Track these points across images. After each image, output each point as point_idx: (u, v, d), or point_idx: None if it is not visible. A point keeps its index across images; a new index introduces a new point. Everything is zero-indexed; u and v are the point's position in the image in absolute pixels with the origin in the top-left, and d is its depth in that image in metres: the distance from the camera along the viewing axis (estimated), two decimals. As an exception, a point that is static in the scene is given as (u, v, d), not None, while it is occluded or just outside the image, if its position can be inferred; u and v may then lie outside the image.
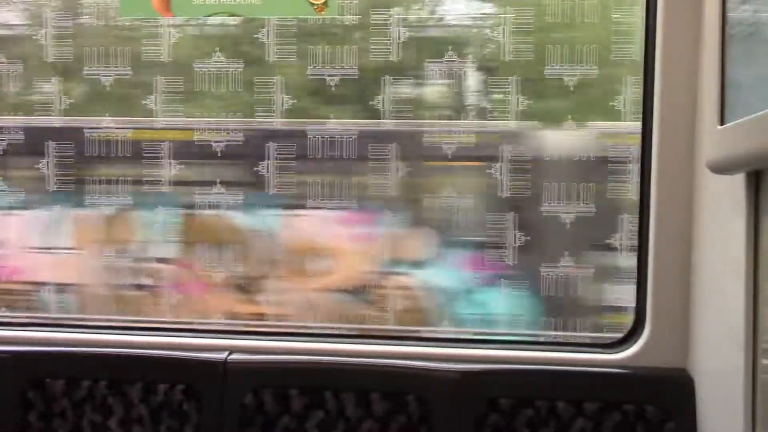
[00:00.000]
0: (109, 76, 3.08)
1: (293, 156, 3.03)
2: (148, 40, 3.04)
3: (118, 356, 2.66)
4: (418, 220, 3.05)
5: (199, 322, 3.19)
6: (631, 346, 2.51)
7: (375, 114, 2.96)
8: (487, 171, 2.91)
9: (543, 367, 2.53)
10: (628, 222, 2.86)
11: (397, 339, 2.88)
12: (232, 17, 2.85)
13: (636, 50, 2.72)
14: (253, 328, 3.06)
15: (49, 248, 3.36)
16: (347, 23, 2.97)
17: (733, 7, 1.88)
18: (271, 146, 3.03)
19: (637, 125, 2.53)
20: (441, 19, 3.14)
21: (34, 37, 3.10)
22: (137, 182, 3.13)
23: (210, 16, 2.77)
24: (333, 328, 3.14)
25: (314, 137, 2.99)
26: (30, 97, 3.16)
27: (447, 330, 3.09)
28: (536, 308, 2.99)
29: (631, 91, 2.80)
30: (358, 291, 3.16)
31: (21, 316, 3.29)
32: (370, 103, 2.95)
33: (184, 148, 3.11)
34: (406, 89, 2.99)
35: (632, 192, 2.80)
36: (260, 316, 3.20)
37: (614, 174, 2.89)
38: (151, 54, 3.04)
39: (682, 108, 2.38)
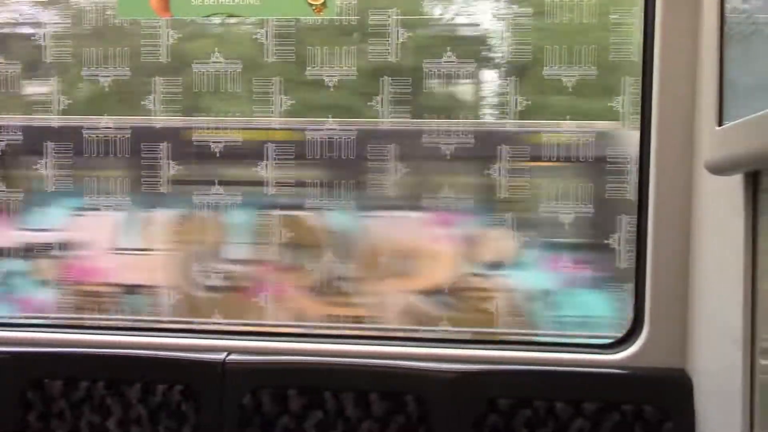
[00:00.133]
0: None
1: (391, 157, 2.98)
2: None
3: (117, 357, 2.66)
4: (508, 221, 2.99)
5: (198, 323, 3.18)
6: (629, 346, 2.52)
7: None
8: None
9: (542, 367, 2.53)
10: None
11: (396, 339, 2.88)
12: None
13: (635, 51, 2.72)
14: (251, 329, 3.06)
15: (133, 249, 3.32)
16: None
17: (732, 8, 1.88)
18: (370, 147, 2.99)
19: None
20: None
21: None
22: (221, 183, 3.09)
23: (209, 16, 2.77)
24: (332, 328, 3.14)
25: (403, 139, 2.95)
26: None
27: (446, 330, 3.08)
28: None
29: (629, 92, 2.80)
30: (449, 293, 3.11)
31: (21, 316, 3.27)
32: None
33: (280, 148, 3.05)
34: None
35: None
36: (345, 319, 3.15)
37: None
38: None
39: (680, 109, 2.38)
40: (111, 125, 3.07)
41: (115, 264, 3.31)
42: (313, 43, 2.94)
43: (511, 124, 2.92)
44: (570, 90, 2.84)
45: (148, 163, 3.06)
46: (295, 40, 2.96)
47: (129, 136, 3.06)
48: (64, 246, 3.24)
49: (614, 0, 2.82)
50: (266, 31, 2.95)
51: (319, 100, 3.01)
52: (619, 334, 2.59)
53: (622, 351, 2.52)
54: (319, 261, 3.11)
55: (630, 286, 2.61)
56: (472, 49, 2.98)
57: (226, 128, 3.08)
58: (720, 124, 1.90)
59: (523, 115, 2.90)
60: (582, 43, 2.80)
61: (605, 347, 2.58)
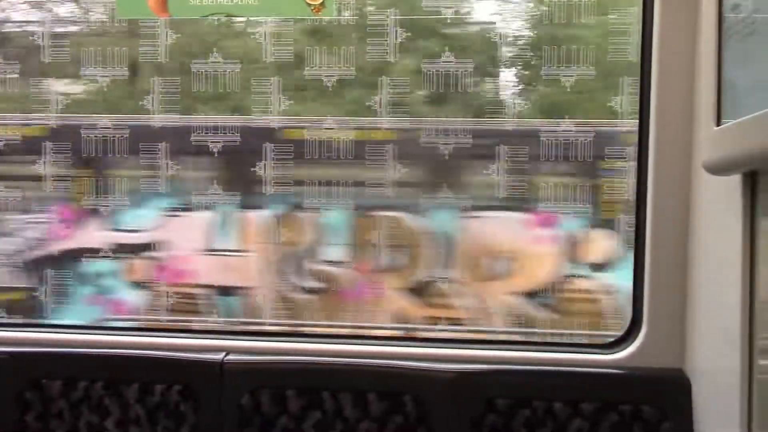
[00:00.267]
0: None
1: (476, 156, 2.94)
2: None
3: (115, 357, 2.66)
4: (604, 221, 2.95)
5: (197, 323, 3.18)
6: (627, 346, 2.52)
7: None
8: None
9: (540, 367, 2.53)
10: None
11: (394, 339, 2.88)
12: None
13: (633, 51, 2.73)
14: (250, 329, 3.06)
15: (221, 251, 3.28)
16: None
17: (730, 9, 1.88)
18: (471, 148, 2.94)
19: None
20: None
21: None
22: (311, 183, 3.06)
23: (207, 16, 2.77)
24: (330, 328, 3.14)
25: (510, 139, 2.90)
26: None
27: (444, 330, 3.09)
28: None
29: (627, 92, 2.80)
30: (544, 294, 3.07)
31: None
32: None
33: (372, 148, 3.03)
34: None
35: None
36: (437, 321, 3.11)
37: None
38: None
39: (678, 109, 2.38)
40: (217, 125, 3.04)
41: (209, 265, 3.28)
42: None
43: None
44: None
45: (244, 164, 3.02)
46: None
47: (234, 137, 3.03)
48: (155, 247, 3.20)
49: (613, 0, 2.82)
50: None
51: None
52: (618, 334, 2.59)
53: (620, 351, 2.52)
54: (418, 262, 3.08)
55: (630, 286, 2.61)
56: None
57: (325, 128, 3.04)
58: (718, 124, 1.90)
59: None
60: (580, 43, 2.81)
61: (604, 347, 2.58)
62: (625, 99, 2.81)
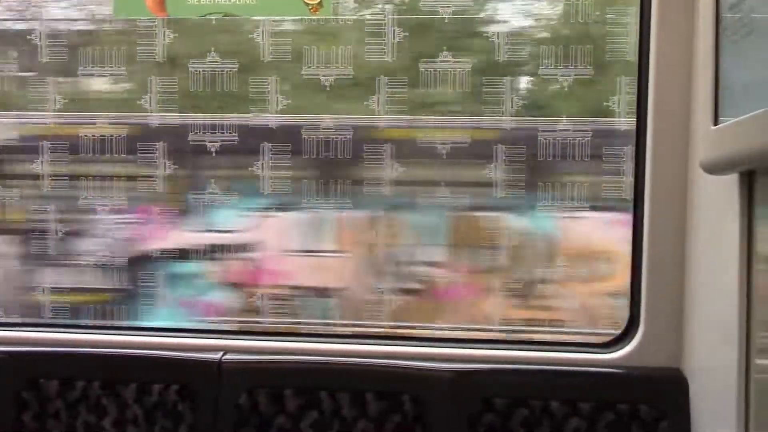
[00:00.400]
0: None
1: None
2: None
3: (113, 356, 2.66)
4: None
5: (194, 322, 3.17)
6: (625, 345, 2.52)
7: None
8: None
9: (538, 366, 2.53)
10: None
11: (392, 339, 2.88)
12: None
13: (630, 50, 2.73)
14: (247, 328, 3.05)
15: (315, 251, 3.23)
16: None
17: (727, 8, 1.89)
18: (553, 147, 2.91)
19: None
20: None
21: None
22: (400, 183, 3.00)
23: (205, 16, 2.77)
24: (328, 327, 3.13)
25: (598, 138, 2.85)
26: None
27: (442, 329, 3.08)
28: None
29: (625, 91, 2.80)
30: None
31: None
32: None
33: (465, 148, 2.97)
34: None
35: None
36: (537, 322, 3.06)
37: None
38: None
39: (676, 108, 2.39)
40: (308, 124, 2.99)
41: (302, 266, 3.22)
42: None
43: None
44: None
45: (331, 164, 3.00)
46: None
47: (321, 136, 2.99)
48: (242, 248, 3.16)
49: (610, 0, 2.82)
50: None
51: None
52: (616, 333, 2.59)
53: (617, 350, 2.52)
54: (516, 263, 3.03)
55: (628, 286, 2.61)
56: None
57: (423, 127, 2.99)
58: (715, 123, 1.91)
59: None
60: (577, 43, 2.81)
61: (601, 346, 2.59)
62: (623, 98, 2.80)
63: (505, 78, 2.89)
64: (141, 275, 3.13)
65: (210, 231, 3.14)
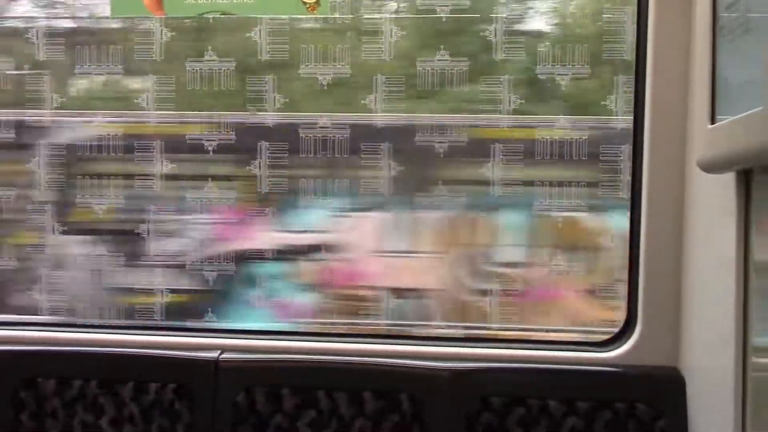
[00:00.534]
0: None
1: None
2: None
3: (110, 355, 2.65)
4: None
5: (191, 321, 3.16)
6: (622, 344, 2.52)
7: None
8: None
9: (535, 365, 2.53)
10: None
11: (390, 338, 2.88)
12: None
13: (627, 49, 2.73)
14: (244, 327, 3.05)
15: (394, 252, 3.17)
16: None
17: (724, 7, 1.89)
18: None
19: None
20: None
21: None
22: (482, 183, 2.94)
23: (202, 14, 2.77)
24: (324, 326, 3.13)
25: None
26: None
27: (439, 328, 3.08)
28: None
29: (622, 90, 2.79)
30: None
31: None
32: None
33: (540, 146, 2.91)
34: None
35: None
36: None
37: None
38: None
39: (673, 107, 2.39)
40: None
41: (380, 267, 3.17)
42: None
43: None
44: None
45: (413, 164, 2.96)
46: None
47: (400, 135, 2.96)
48: (325, 248, 3.12)
49: (608, -1, 2.82)
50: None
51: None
52: (613, 331, 2.59)
53: (615, 349, 2.53)
54: (597, 264, 2.99)
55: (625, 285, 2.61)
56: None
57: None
58: (712, 122, 1.90)
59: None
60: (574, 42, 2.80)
61: (599, 345, 2.59)
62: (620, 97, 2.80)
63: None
64: (228, 276, 3.09)
65: (298, 231, 3.10)
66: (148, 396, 2.57)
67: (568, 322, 3.07)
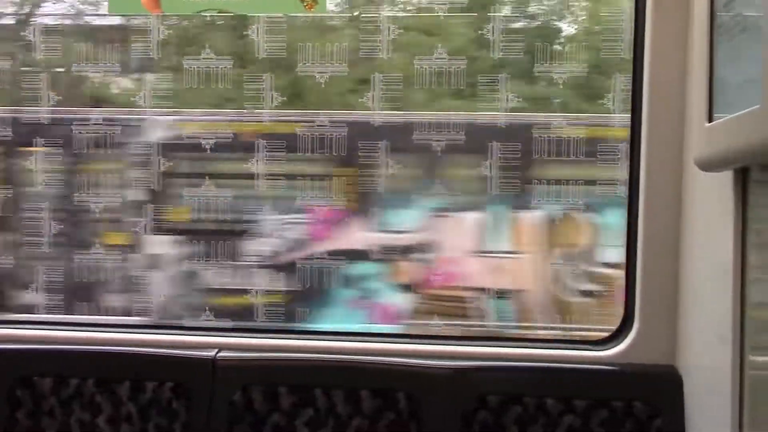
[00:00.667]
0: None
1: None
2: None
3: (107, 354, 2.65)
4: None
5: (188, 320, 3.16)
6: (620, 343, 2.52)
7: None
8: None
9: (532, 364, 2.53)
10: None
11: (387, 336, 2.88)
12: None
13: (625, 48, 2.73)
14: (242, 326, 3.05)
15: (491, 252, 3.13)
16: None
17: (721, 6, 1.89)
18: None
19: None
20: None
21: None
22: (588, 183, 2.91)
23: (199, 12, 2.76)
24: (321, 326, 3.13)
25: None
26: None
27: (436, 327, 3.08)
28: None
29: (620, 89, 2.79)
30: None
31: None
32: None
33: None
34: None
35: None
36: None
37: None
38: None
39: (670, 105, 2.39)
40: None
41: (478, 268, 3.12)
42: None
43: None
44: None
45: (512, 164, 2.91)
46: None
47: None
48: (422, 249, 3.06)
49: (606, -1, 2.83)
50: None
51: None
52: (611, 330, 2.60)
53: (612, 347, 2.53)
54: None
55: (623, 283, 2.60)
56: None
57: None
58: (710, 120, 1.91)
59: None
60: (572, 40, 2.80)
61: (596, 344, 2.59)
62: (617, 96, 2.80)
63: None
64: (315, 276, 3.05)
65: (385, 232, 3.05)
66: (145, 395, 2.57)
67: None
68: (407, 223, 3.03)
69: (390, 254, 3.03)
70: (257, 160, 3.02)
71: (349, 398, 2.50)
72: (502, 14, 2.91)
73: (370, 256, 3.03)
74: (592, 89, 2.91)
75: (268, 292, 3.06)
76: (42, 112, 3.09)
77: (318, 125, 3.00)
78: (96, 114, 3.10)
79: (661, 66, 2.39)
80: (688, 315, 2.37)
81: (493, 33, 2.88)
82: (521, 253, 3.06)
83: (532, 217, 2.97)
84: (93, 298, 3.14)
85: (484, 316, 3.02)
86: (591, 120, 2.87)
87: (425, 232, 3.04)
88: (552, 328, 2.99)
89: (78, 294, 3.13)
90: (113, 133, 3.09)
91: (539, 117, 2.92)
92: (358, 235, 3.04)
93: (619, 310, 2.77)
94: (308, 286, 3.02)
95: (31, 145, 3.10)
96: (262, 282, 3.07)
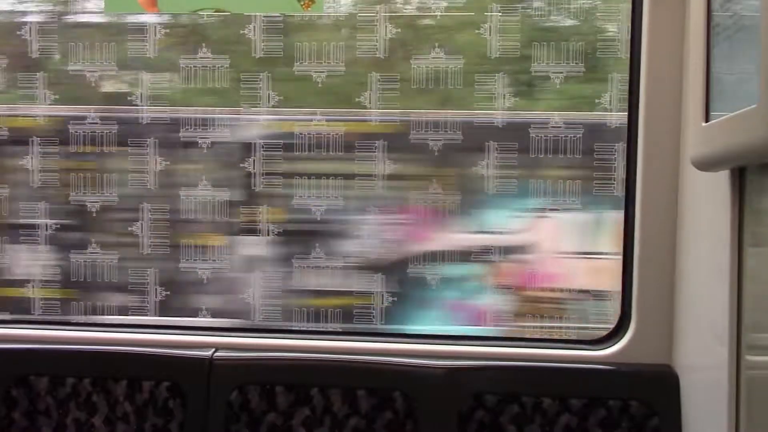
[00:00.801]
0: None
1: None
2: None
3: (103, 353, 2.65)
4: None
5: (185, 320, 3.15)
6: (616, 342, 2.53)
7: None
8: None
9: (529, 363, 2.53)
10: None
11: (384, 336, 2.88)
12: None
13: (622, 47, 2.73)
14: (238, 325, 3.04)
15: (591, 253, 3.06)
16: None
17: (718, 6, 1.89)
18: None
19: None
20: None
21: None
22: None
23: (196, 12, 2.76)
24: (319, 325, 3.12)
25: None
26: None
27: (433, 326, 3.07)
28: None
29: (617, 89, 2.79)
30: None
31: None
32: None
33: None
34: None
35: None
36: None
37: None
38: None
39: (667, 105, 2.39)
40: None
41: (578, 269, 3.07)
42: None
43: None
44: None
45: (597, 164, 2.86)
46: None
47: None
48: (508, 250, 3.02)
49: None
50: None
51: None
52: (608, 329, 2.60)
53: (609, 347, 2.53)
54: None
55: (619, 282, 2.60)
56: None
57: None
58: (707, 120, 1.91)
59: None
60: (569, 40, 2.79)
61: (592, 343, 2.59)
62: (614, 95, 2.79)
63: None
64: (407, 278, 3.01)
65: (480, 232, 3.00)
66: (141, 394, 2.57)
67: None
68: (506, 223, 2.99)
69: (488, 255, 2.99)
70: (355, 160, 2.98)
71: (346, 398, 2.50)
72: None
73: (467, 258, 2.99)
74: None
75: (364, 294, 3.03)
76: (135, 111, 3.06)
77: (438, 128, 2.95)
78: (193, 114, 3.06)
79: (657, 65, 2.40)
80: (684, 314, 2.37)
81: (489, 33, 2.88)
82: (611, 254, 2.99)
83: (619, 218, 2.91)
84: (187, 301, 3.11)
85: (583, 318, 2.98)
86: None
87: (523, 233, 2.99)
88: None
89: (174, 295, 3.11)
90: (217, 133, 3.06)
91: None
92: (455, 236, 3.00)
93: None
94: (405, 288, 2.99)
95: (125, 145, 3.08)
96: (358, 284, 3.04)
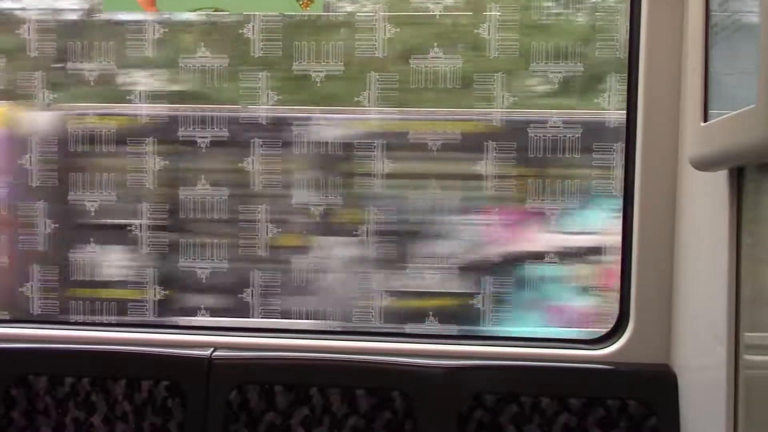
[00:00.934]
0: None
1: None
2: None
3: (102, 353, 2.65)
4: None
5: (184, 319, 3.15)
6: (615, 342, 2.53)
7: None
8: None
9: (528, 363, 2.54)
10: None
11: (383, 335, 2.88)
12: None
13: (620, 47, 2.73)
14: (237, 325, 3.04)
15: None
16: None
17: (717, 6, 1.89)
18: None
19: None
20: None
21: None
22: None
23: (195, 11, 2.76)
24: (318, 324, 3.12)
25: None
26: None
27: (432, 326, 3.07)
28: None
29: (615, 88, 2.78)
30: None
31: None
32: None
33: None
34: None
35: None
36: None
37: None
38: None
39: (666, 105, 2.39)
40: None
41: None
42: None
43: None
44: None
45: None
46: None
47: None
48: (605, 251, 2.99)
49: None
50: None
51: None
52: (606, 328, 2.60)
53: (607, 347, 2.53)
54: None
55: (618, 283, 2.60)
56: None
57: None
58: (705, 120, 1.91)
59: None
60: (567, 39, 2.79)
61: (591, 343, 2.59)
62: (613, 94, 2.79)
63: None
64: (498, 279, 2.98)
65: (566, 233, 2.96)
66: (140, 394, 2.57)
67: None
68: (591, 224, 2.96)
69: (571, 256, 2.96)
70: (432, 160, 2.95)
71: (345, 397, 2.50)
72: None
73: (551, 258, 2.96)
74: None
75: (448, 295, 3.00)
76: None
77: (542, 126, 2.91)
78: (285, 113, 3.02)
79: (656, 65, 2.40)
80: (683, 314, 2.37)
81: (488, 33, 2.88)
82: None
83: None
84: (269, 303, 3.08)
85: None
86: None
87: (609, 234, 2.96)
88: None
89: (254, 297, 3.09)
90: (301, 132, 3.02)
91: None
92: (538, 237, 2.97)
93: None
94: (491, 289, 2.96)
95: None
96: (443, 284, 3.01)
